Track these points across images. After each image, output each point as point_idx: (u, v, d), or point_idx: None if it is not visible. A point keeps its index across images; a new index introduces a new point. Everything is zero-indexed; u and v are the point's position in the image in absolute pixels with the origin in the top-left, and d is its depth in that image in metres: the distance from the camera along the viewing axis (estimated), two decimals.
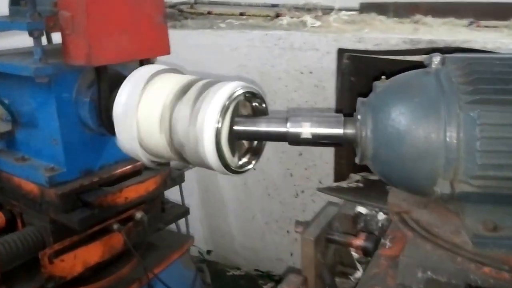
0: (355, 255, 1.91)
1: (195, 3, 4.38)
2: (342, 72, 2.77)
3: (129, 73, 1.70)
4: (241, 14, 3.88)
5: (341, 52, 2.74)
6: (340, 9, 3.53)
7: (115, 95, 1.66)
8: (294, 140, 1.52)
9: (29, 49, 2.02)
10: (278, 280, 3.79)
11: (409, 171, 1.34)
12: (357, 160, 1.50)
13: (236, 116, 1.57)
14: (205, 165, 1.56)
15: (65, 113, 1.95)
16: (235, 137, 1.56)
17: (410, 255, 1.30)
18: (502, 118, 1.22)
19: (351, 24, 3.22)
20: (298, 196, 3.47)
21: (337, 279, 1.93)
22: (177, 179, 2.32)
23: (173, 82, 1.67)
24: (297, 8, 3.71)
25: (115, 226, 2.10)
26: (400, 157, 1.33)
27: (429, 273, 1.25)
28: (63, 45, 1.82)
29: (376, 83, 1.48)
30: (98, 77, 1.84)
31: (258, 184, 3.54)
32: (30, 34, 1.83)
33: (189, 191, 3.31)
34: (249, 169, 1.62)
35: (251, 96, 1.61)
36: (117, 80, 1.69)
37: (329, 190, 2.82)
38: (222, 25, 3.64)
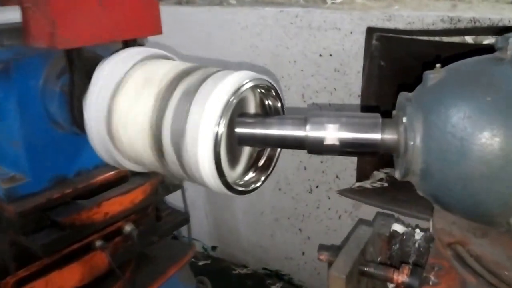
0: None
1: None
2: (370, 55, 2.39)
3: None
4: None
5: (370, 31, 2.36)
6: None
7: None
8: (316, 147, 1.18)
9: None
10: (288, 280, 3.50)
11: (474, 195, 1.01)
12: (397, 175, 1.17)
13: (240, 115, 1.23)
14: (196, 180, 1.23)
15: (29, 108, 1.56)
16: (237, 143, 1.22)
17: None
18: None
19: (378, 0, 2.83)
20: (312, 192, 3.14)
21: None
22: (171, 187, 1.94)
23: (163, 70, 1.33)
24: None
25: (98, 244, 1.73)
26: (463, 176, 1.00)
27: None
28: (23, 22, 1.41)
29: (427, 73, 1.13)
30: (69, 63, 1.47)
31: (269, 178, 3.20)
32: None
33: None
34: (257, 188, 1.28)
35: (264, 91, 1.27)
36: (96, 66, 1.36)
37: (351, 192, 2.48)
38: (232, 1, 3.28)
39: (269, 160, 1.34)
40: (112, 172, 1.77)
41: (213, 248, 3.83)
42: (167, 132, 1.21)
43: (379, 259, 1.60)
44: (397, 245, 1.62)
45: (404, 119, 1.09)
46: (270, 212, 3.41)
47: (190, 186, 2.75)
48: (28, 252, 1.57)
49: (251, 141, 1.24)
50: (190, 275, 2.34)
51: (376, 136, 1.14)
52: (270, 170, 1.32)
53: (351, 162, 2.81)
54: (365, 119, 1.17)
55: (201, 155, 1.14)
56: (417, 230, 1.67)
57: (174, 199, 2.38)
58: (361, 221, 1.58)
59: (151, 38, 1.66)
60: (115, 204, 1.69)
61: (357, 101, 2.70)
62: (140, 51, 1.43)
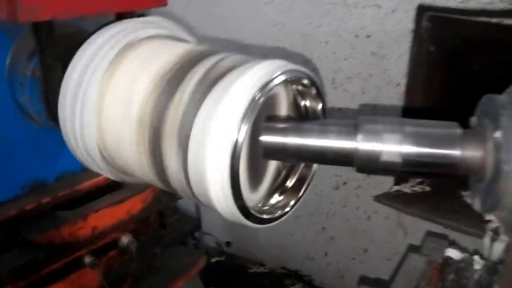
0: None
1: None
2: (419, 38, 2.05)
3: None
4: None
5: (421, 10, 2.01)
6: None
7: None
8: (369, 164, 0.88)
9: None
10: (308, 281, 3.23)
11: None
12: (477, 205, 0.87)
13: (267, 118, 0.93)
14: (204, 199, 0.93)
15: None
16: (263, 155, 0.92)
17: None
18: None
19: None
20: (339, 189, 2.84)
21: None
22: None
23: (168, 53, 1.03)
24: None
25: (87, 260, 1.43)
26: None
27: None
28: None
29: None
30: (38, 40, 1.16)
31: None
32: None
33: None
34: (284, 215, 0.99)
35: (300, 87, 0.96)
36: (78, 46, 1.06)
37: (388, 198, 2.16)
38: None
39: (302, 179, 1.03)
40: (103, 176, 1.36)
41: (228, 243, 3.56)
42: (170, 134, 0.92)
43: None
44: (452, 275, 1.33)
45: (498, 134, 0.77)
46: None
47: None
48: None
49: (281, 154, 0.94)
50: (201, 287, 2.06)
51: (454, 152, 0.83)
52: (302, 193, 1.02)
53: None
54: (438, 129, 0.86)
55: (211, 171, 0.85)
56: (477, 258, 1.37)
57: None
58: (411, 248, 1.27)
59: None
60: (105, 217, 1.38)
61: (395, 90, 2.38)
62: (140, 23, 1.12)
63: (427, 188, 2.13)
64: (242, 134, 0.83)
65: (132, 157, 1.01)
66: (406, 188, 2.18)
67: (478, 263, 1.34)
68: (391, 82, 2.38)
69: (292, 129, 0.93)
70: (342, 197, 2.86)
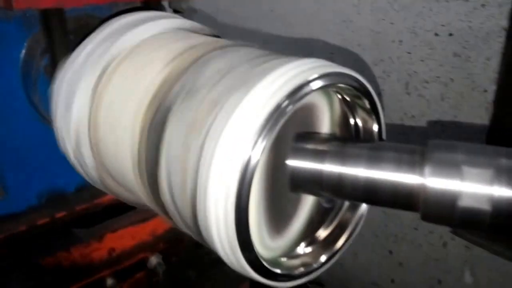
0: None
1: None
2: None
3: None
4: None
5: None
6: None
7: None
8: (440, 210, 0.59)
9: None
10: None
11: None
12: None
13: (298, 136, 0.68)
14: (202, 239, 0.70)
15: (4, 95, 1.12)
16: (290, 186, 0.68)
17: None
18: None
19: None
20: None
21: None
22: None
23: (182, 44, 0.81)
24: None
25: (109, 283, 1.25)
26: None
27: None
28: None
29: None
30: (48, 33, 0.98)
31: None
32: None
33: None
34: (309, 274, 0.74)
35: (349, 98, 0.71)
36: None
37: (467, 231, 1.81)
38: None
39: (342, 226, 0.77)
40: None
41: None
42: (171, 154, 0.70)
43: None
44: None
45: None
46: None
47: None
48: None
49: (315, 186, 0.69)
50: None
51: None
52: (340, 246, 0.76)
53: None
54: None
55: (212, 204, 0.61)
56: None
57: None
58: None
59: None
60: (125, 238, 1.20)
61: (481, 97, 2.02)
62: (155, 17, 0.92)
63: None
64: (257, 152, 0.58)
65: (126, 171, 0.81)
66: None
67: None
68: (476, 88, 2.02)
69: (331, 153, 0.67)
70: (414, 218, 2.51)
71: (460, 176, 0.57)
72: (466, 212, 0.57)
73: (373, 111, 0.73)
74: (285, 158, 0.68)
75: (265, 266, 0.67)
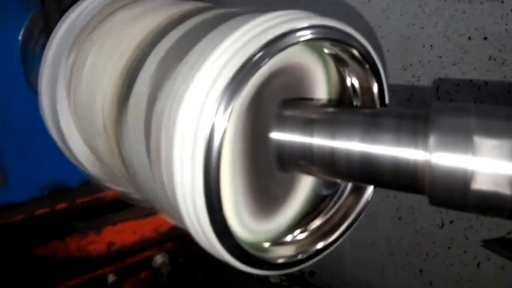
0: None
1: None
2: None
3: None
4: None
5: None
6: None
7: None
8: (449, 194, 0.49)
9: None
10: None
11: None
12: None
13: (284, 101, 0.60)
14: (176, 218, 0.62)
15: (4, 79, 1.08)
16: (276, 162, 0.60)
17: None
18: None
19: None
20: (444, 227, 2.36)
21: None
22: None
23: (158, 14, 0.75)
24: None
25: (110, 280, 1.18)
26: None
27: None
28: None
29: None
30: (44, 11, 0.94)
31: (387, 202, 2.47)
32: None
33: None
34: (298, 265, 0.64)
35: (346, 57, 0.62)
36: None
37: (502, 246, 1.66)
38: None
39: (343, 213, 0.67)
40: None
41: (311, 274, 3.19)
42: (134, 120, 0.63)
43: None
44: None
45: None
46: (384, 244, 2.67)
47: None
48: None
49: (304, 163, 0.60)
50: None
51: None
52: (337, 236, 0.66)
53: None
54: None
55: (179, 172, 0.53)
56: None
57: None
58: None
59: None
60: (125, 232, 1.13)
61: None
62: None
63: None
64: (225, 117, 0.50)
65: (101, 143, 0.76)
66: None
67: None
68: None
69: (321, 121, 0.57)
70: (447, 237, 2.35)
71: (472, 149, 0.47)
72: (481, 196, 0.47)
73: (374, 72, 0.63)
74: (269, 130, 0.59)
75: (244, 249, 0.58)
